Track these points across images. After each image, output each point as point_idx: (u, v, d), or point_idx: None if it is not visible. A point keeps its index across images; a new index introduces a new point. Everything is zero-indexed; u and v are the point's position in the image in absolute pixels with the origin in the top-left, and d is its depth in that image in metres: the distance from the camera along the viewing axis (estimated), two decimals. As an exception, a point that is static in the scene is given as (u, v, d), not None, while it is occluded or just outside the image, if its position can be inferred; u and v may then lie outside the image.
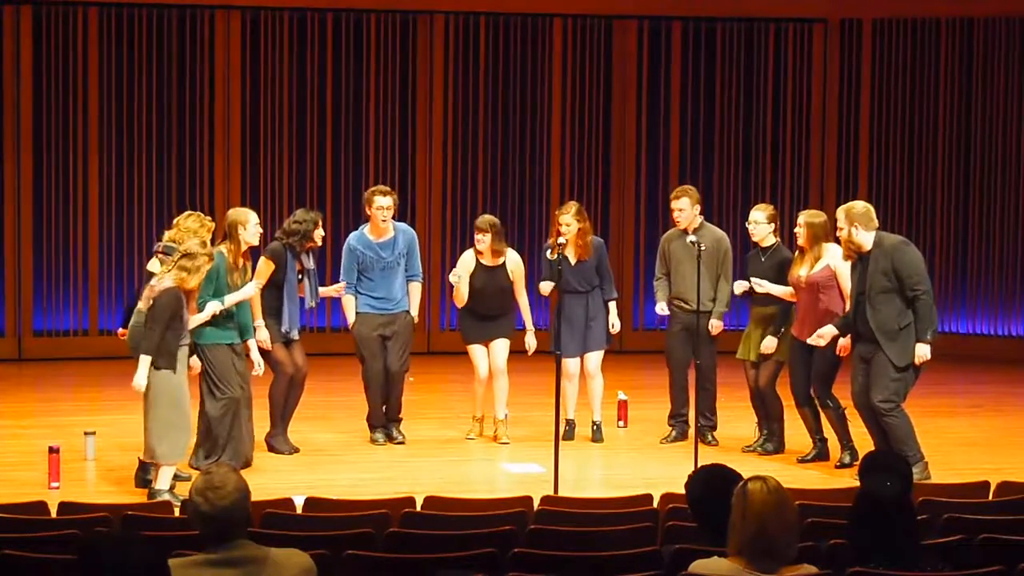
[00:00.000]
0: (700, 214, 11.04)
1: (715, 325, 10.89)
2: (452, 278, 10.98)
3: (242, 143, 15.42)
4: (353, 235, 11.09)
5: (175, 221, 9.90)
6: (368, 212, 10.96)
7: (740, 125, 16.20)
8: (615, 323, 11.12)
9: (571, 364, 11.02)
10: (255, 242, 10.01)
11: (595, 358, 11.08)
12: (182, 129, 15.25)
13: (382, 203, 10.86)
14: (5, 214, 14.95)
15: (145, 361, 8.89)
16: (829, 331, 9.83)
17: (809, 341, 9.94)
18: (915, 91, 15.99)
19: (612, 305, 11.13)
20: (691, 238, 10.55)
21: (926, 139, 16.02)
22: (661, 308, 11.08)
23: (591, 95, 16.04)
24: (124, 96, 15.09)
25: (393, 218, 11.00)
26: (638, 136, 16.17)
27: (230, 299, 9.69)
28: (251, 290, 9.95)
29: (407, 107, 15.71)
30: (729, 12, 16.05)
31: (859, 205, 9.73)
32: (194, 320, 9.26)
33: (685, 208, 10.99)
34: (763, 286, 10.37)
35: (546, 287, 10.93)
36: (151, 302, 9.02)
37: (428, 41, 15.69)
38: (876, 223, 9.66)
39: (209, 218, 9.89)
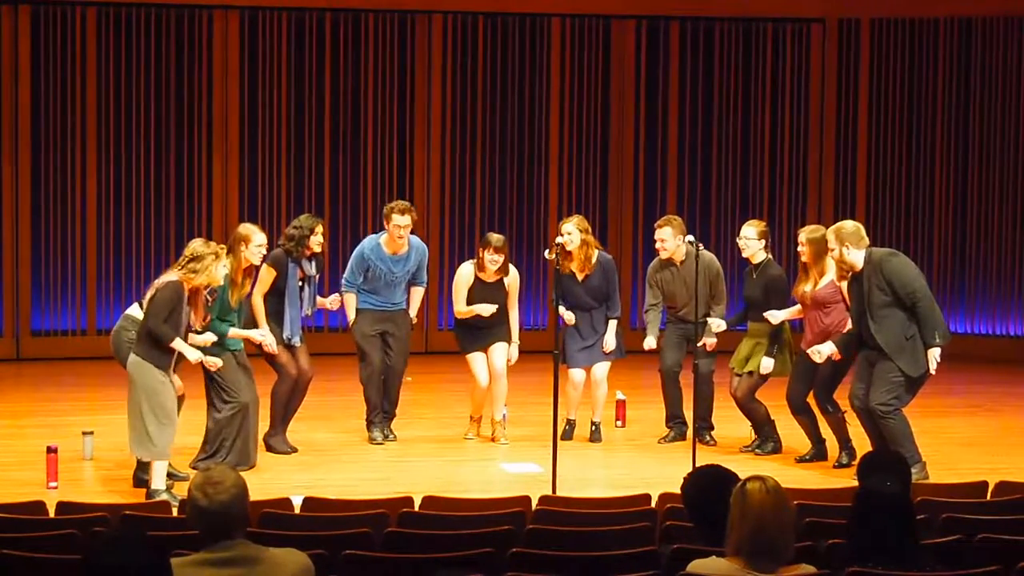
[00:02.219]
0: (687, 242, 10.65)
1: (709, 343, 10.80)
2: (482, 310, 10.93)
3: (240, 143, 15.42)
4: (369, 242, 11.03)
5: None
6: (386, 226, 10.93)
7: (738, 124, 16.20)
8: (609, 342, 10.94)
9: (575, 374, 10.99)
10: (256, 262, 10.02)
11: (602, 368, 11.02)
12: (180, 128, 15.25)
13: (399, 221, 10.83)
14: (3, 214, 14.95)
15: (180, 343, 8.95)
16: (828, 348, 9.81)
17: (808, 351, 9.93)
18: (913, 91, 15.99)
19: (612, 324, 10.98)
20: (690, 238, 10.52)
21: (924, 138, 16.02)
22: (649, 343, 10.95)
23: (589, 94, 16.04)
24: (122, 96, 15.09)
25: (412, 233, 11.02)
26: (636, 135, 16.17)
27: (235, 331, 9.81)
28: (258, 336, 10.05)
29: (405, 106, 15.71)
30: (727, 12, 16.05)
31: (848, 224, 9.73)
32: (186, 348, 9.12)
33: (668, 238, 10.86)
34: (775, 317, 10.37)
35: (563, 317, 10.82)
36: (153, 291, 9.06)
37: (427, 40, 15.69)
38: (867, 240, 9.64)
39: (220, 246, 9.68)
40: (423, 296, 11.31)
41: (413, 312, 11.15)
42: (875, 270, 9.51)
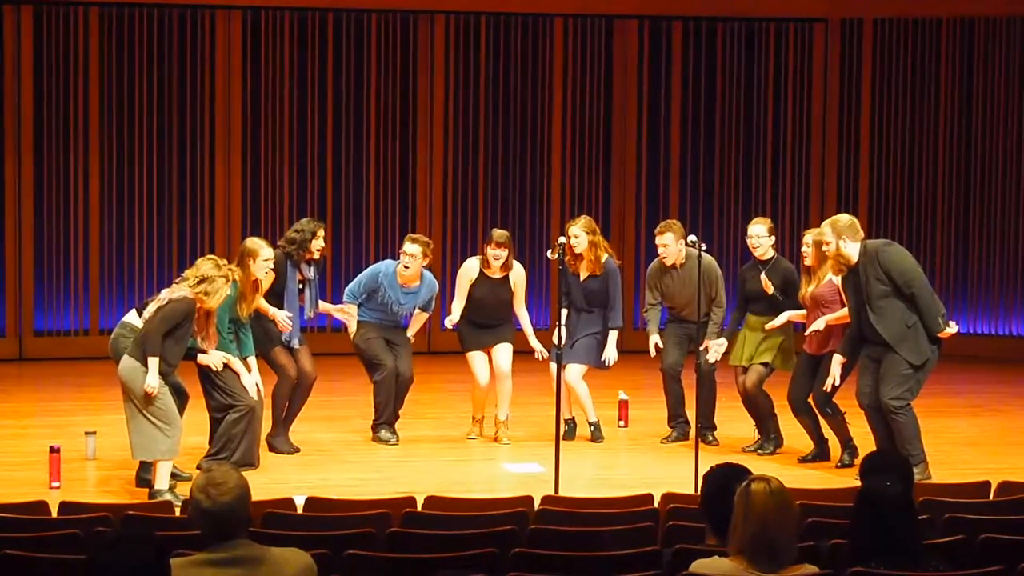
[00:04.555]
0: (687, 245, 10.62)
1: (715, 350, 10.76)
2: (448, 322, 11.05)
3: (243, 143, 15.42)
4: (387, 267, 11.00)
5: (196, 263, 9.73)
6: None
7: (741, 125, 16.20)
8: (609, 356, 10.83)
9: (553, 368, 10.97)
10: (262, 276, 10.04)
11: (574, 369, 10.93)
12: (183, 129, 15.25)
13: (408, 249, 10.83)
14: (6, 214, 14.95)
15: (153, 363, 8.90)
16: (837, 368, 9.76)
17: (827, 388, 9.89)
18: (916, 91, 15.99)
19: (613, 335, 10.91)
20: (692, 238, 10.50)
21: (927, 139, 16.02)
22: (654, 340, 10.92)
23: (592, 94, 16.04)
24: (125, 96, 15.09)
25: (427, 267, 11.00)
26: (639, 135, 16.17)
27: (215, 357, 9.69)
28: (241, 368, 9.86)
29: (408, 107, 15.71)
30: (730, 12, 16.05)
31: (844, 218, 9.73)
32: (152, 371, 8.96)
33: (670, 244, 10.85)
34: (781, 319, 10.39)
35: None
36: (165, 301, 9.05)
37: (429, 41, 15.69)
38: (862, 234, 9.64)
39: (227, 263, 9.63)
40: (424, 321, 11.33)
41: (411, 332, 11.16)
42: (872, 260, 9.51)
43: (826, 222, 9.75)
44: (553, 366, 10.88)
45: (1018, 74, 15.62)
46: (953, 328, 9.59)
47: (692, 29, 16.13)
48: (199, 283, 9.14)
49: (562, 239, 10.58)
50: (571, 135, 16.06)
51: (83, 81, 14.99)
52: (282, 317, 10.27)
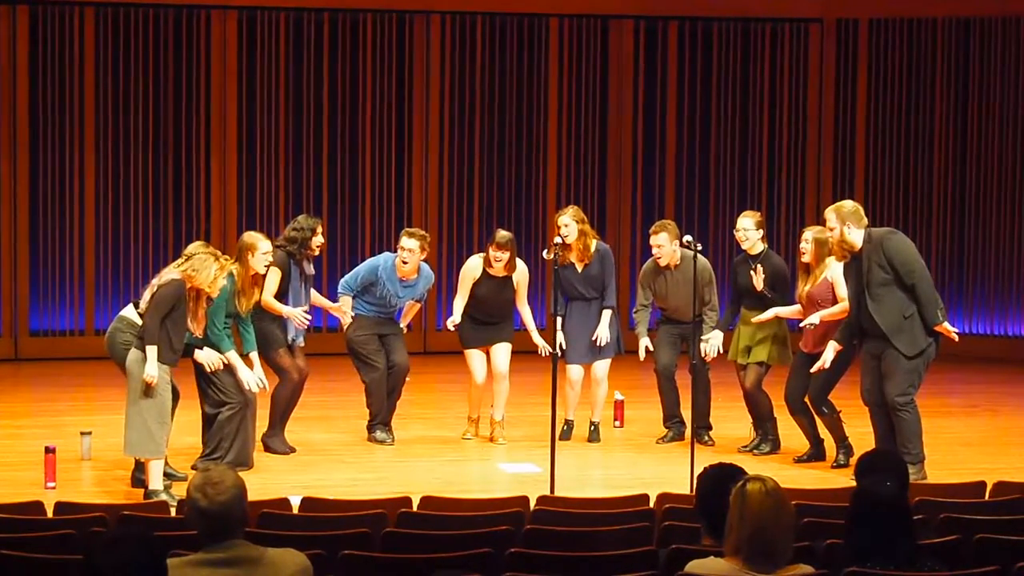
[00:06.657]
0: (683, 245, 10.72)
1: (713, 344, 10.76)
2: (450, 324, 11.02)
3: (238, 143, 15.41)
4: (386, 261, 10.98)
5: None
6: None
7: (736, 125, 16.20)
8: (601, 336, 10.90)
9: (574, 371, 10.99)
10: (261, 271, 10.02)
11: (603, 366, 11.00)
12: (178, 129, 15.24)
13: (404, 243, 10.84)
14: (2, 214, 14.94)
15: (152, 352, 8.91)
16: (829, 352, 9.77)
17: (814, 370, 9.90)
18: (911, 91, 15.99)
19: (607, 314, 10.96)
20: (688, 237, 10.51)
21: (922, 139, 16.02)
22: (644, 343, 10.89)
23: (587, 95, 16.05)
24: (120, 96, 15.09)
25: (424, 260, 11.00)
26: (634, 135, 16.18)
27: (212, 356, 9.67)
28: (239, 362, 9.82)
29: (404, 107, 15.71)
30: (725, 12, 16.05)
31: (848, 204, 9.72)
32: (152, 360, 8.98)
33: (664, 244, 10.86)
34: (767, 315, 10.37)
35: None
36: (155, 288, 9.07)
37: (425, 41, 15.69)
38: (866, 221, 9.63)
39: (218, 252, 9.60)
40: (417, 310, 11.35)
41: (403, 323, 11.17)
42: (876, 248, 9.48)
43: (830, 208, 9.72)
44: (573, 368, 10.93)
45: (1013, 74, 15.63)
46: (952, 330, 9.57)
47: (688, 29, 16.13)
48: (186, 261, 9.16)
49: (558, 239, 10.58)
50: (567, 135, 16.06)
51: (79, 81, 14.98)
52: (298, 314, 10.28)
